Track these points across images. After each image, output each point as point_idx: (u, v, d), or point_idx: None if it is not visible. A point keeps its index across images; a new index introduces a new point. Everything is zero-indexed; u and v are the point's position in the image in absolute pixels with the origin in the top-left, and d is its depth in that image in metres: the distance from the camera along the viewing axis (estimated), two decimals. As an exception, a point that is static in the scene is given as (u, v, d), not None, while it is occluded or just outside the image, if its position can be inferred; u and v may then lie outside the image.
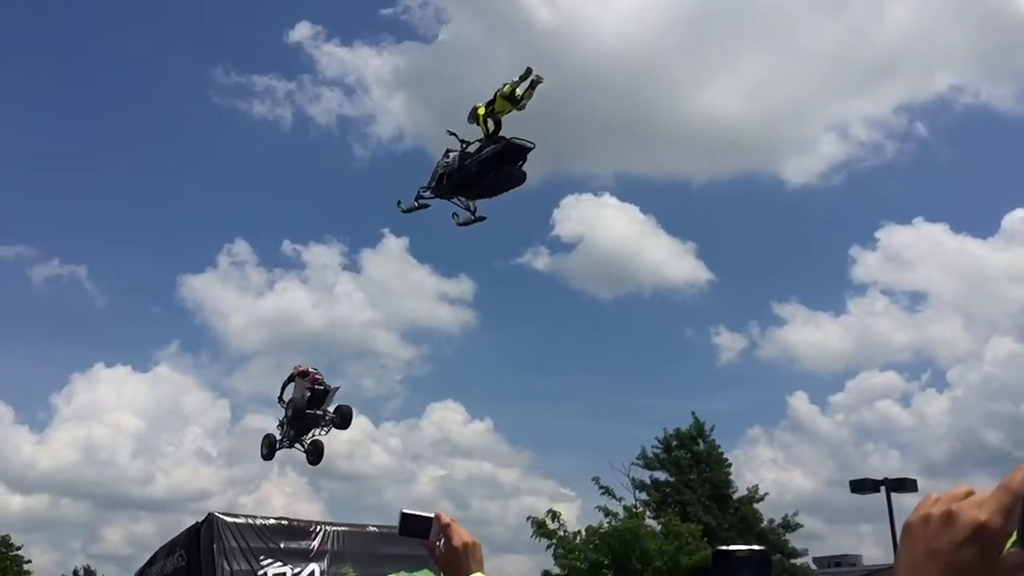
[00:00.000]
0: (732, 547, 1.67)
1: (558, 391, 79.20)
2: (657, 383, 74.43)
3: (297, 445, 19.56)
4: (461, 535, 2.35)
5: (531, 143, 13.78)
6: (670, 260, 71.34)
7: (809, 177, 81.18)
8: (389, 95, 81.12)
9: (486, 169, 13.70)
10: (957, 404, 62.47)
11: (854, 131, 75.71)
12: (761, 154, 79.75)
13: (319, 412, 19.09)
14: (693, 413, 41.75)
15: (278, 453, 19.90)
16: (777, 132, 74.19)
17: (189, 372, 77.75)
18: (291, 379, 19.57)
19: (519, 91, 14.23)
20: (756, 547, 1.69)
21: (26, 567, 47.77)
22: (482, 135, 14.13)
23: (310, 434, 19.44)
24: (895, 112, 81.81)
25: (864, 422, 63.80)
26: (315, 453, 19.38)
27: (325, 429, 19.37)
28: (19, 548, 47.72)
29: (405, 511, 2.42)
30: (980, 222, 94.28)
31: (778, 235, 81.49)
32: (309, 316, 71.73)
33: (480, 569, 2.33)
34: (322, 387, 19.25)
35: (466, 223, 15.10)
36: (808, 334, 68.36)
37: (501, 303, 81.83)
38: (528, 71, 14.24)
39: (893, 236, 69.66)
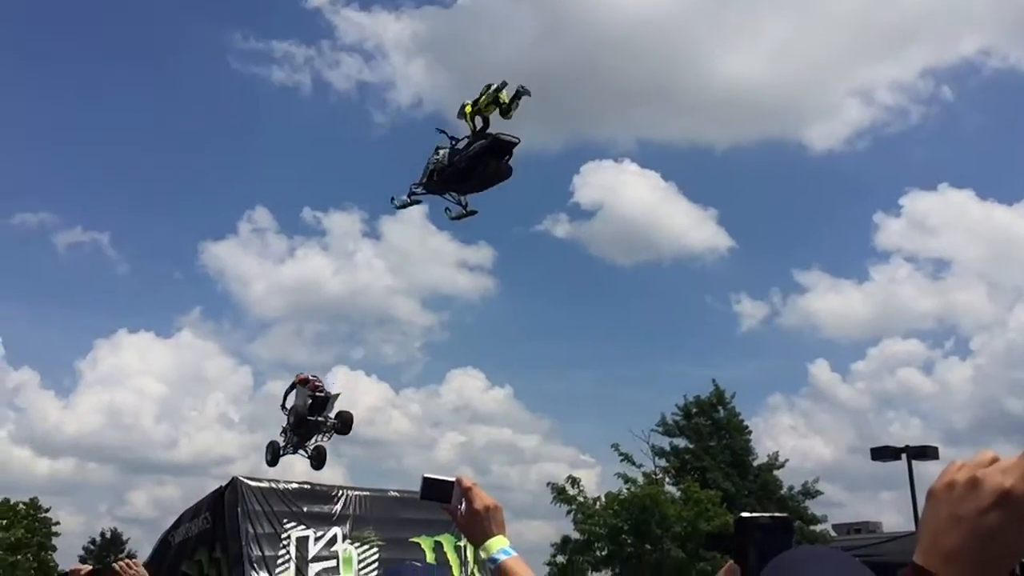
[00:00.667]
0: (754, 514, 1.67)
1: (578, 358, 79.17)
2: (677, 351, 74.32)
3: (300, 451, 19.88)
4: (483, 498, 2.36)
5: (516, 138, 14.14)
6: (691, 227, 70.28)
7: (833, 143, 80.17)
8: (408, 60, 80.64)
9: (474, 164, 14.11)
10: (980, 372, 61.90)
11: (879, 96, 74.54)
12: (784, 119, 78.71)
13: (321, 419, 19.36)
14: (713, 380, 41.91)
15: (282, 459, 20.27)
16: (801, 97, 73.12)
17: (211, 338, 78.47)
18: (292, 387, 19.95)
19: (504, 96, 14.35)
20: (778, 514, 1.69)
21: (55, 529, 48.80)
22: (470, 131, 14.42)
23: (313, 440, 19.74)
24: (921, 76, 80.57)
25: (886, 390, 63.46)
26: (318, 459, 19.70)
27: (327, 435, 19.66)
28: (47, 510, 48.72)
29: (427, 475, 2.43)
30: (1006, 188, 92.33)
31: (801, 202, 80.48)
32: (330, 283, 72.04)
33: (502, 532, 2.33)
34: (323, 394, 19.52)
35: (459, 217, 15.54)
36: (830, 302, 67.72)
37: (521, 270, 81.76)
38: (504, 84, 14.47)
39: (917, 202, 68.66)
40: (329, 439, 19.82)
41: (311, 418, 19.17)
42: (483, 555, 2.32)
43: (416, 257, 74.45)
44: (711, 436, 39.94)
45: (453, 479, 2.41)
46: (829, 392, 63.68)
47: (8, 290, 78.96)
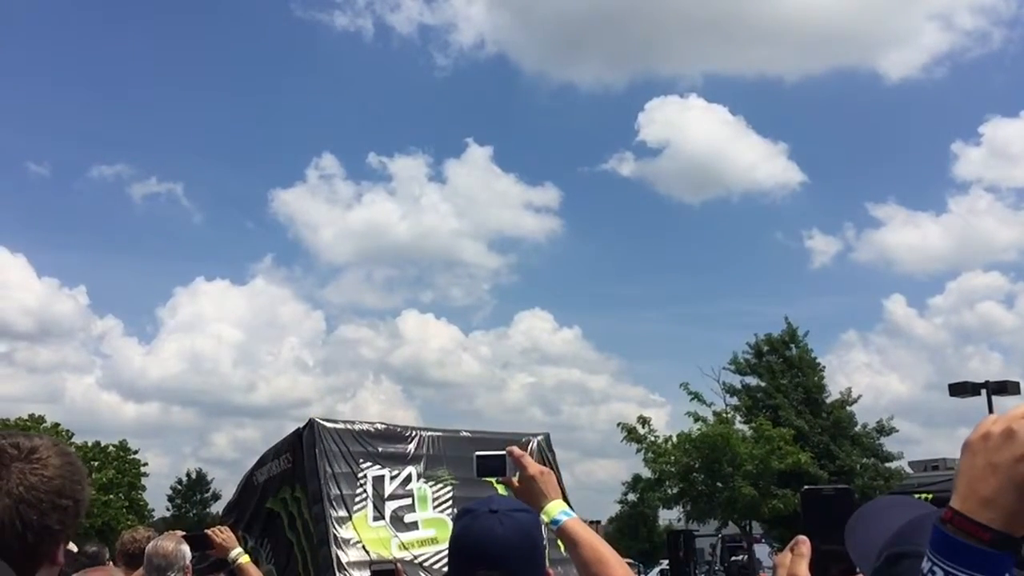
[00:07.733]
0: (818, 487, 1.78)
1: (646, 298, 79.15)
2: (748, 288, 73.63)
3: None
4: (533, 465, 2.42)
5: None
6: (760, 162, 68.81)
7: (909, 70, 77.03)
8: (469, 1, 79.92)
9: None
10: (1066, 305, 59.86)
11: (959, 19, 71.78)
12: (858, 48, 76.18)
13: None
14: (786, 318, 41.27)
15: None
16: (875, 23, 70.38)
17: (284, 284, 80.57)
18: None
19: None
20: (841, 486, 1.78)
21: (143, 470, 50.97)
22: None
23: None
24: (1005, -4, 76.55)
25: (965, 324, 62.10)
26: None
27: None
28: (136, 452, 50.90)
29: (478, 453, 2.55)
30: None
31: (875, 133, 77.97)
32: (397, 228, 72.96)
33: (558, 496, 2.37)
34: None
35: None
36: (906, 235, 66.13)
37: (587, 210, 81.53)
38: None
39: (999, 130, 66.20)
40: None
41: None
42: (544, 519, 2.33)
43: (482, 200, 74.79)
44: (783, 374, 39.49)
45: (503, 452, 2.49)
46: (905, 328, 62.62)
47: (89, 241, 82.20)
